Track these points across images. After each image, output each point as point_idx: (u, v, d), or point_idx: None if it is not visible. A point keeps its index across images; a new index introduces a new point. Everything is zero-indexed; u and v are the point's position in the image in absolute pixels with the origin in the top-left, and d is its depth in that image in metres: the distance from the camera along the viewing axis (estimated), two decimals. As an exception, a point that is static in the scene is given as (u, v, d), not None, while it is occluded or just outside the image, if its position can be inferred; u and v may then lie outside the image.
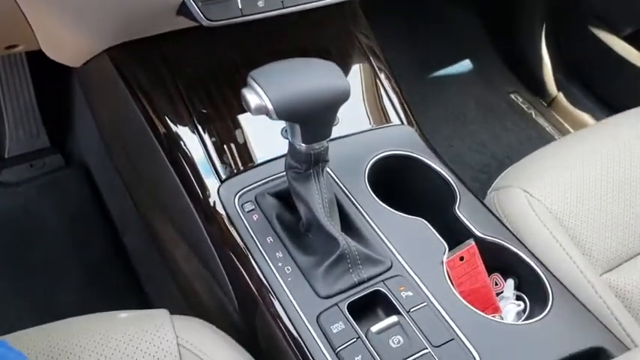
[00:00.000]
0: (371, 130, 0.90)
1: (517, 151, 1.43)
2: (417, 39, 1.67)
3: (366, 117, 0.93)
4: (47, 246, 1.23)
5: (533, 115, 1.59)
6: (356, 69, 1.01)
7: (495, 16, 1.72)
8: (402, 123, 0.92)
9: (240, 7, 0.74)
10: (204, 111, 0.90)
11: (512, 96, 1.64)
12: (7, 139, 1.34)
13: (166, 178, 0.90)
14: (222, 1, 0.74)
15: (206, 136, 0.88)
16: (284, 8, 0.77)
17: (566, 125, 1.56)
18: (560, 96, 1.59)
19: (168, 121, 0.90)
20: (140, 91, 0.93)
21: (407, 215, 0.78)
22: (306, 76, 0.67)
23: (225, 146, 0.87)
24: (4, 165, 1.33)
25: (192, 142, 0.88)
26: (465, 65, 1.69)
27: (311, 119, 0.67)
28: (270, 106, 0.64)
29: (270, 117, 0.65)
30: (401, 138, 0.88)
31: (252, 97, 0.65)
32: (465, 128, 1.54)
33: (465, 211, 0.80)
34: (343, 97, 0.67)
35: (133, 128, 0.99)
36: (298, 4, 0.78)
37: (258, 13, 0.76)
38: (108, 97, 1.12)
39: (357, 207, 0.78)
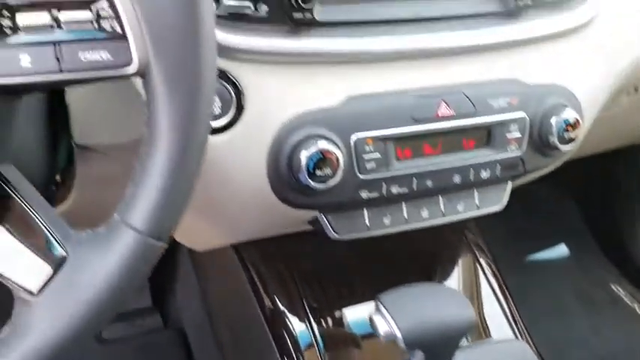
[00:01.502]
0: (488, 344, 0.88)
1: (623, 352, 1.35)
2: (512, 222, 1.68)
3: (479, 325, 0.92)
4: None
5: (638, 310, 1.52)
6: (464, 268, 1.03)
7: (593, 201, 1.71)
8: (516, 336, 0.91)
9: (367, 223, 0.78)
10: (316, 305, 0.92)
11: (614, 287, 1.58)
12: (113, 296, 1.40)
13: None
14: (351, 217, 0.78)
15: (317, 331, 0.89)
16: (408, 225, 0.81)
17: (674, 324, 1.48)
18: (666, 291, 1.52)
19: (279, 304, 0.92)
20: (254, 270, 0.97)
21: None
22: (434, 306, 0.68)
23: (335, 345, 0.88)
24: (106, 321, 1.38)
25: (302, 331, 0.89)
26: (561, 251, 1.66)
27: (435, 347, 0.67)
28: (399, 336, 0.65)
29: (397, 344, 0.66)
30: (516, 356, 0.86)
31: (382, 323, 0.66)
32: (565, 321, 1.48)
33: None
34: (469, 328, 0.68)
35: (240, 304, 1.03)
36: (422, 221, 0.81)
37: (384, 229, 0.80)
38: (218, 268, 1.17)
39: None
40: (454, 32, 0.75)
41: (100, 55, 0.43)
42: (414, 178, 0.76)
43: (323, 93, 0.70)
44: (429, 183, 0.77)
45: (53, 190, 0.77)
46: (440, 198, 0.81)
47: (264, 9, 0.70)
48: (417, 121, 0.74)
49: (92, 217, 0.83)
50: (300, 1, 0.69)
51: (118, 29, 0.43)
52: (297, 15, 0.71)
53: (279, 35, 0.70)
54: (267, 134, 0.69)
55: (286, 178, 0.69)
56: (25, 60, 0.42)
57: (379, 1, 0.74)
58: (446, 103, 0.75)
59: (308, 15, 0.72)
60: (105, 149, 0.74)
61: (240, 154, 0.68)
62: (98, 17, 0.43)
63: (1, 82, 0.41)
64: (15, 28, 0.41)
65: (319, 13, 0.72)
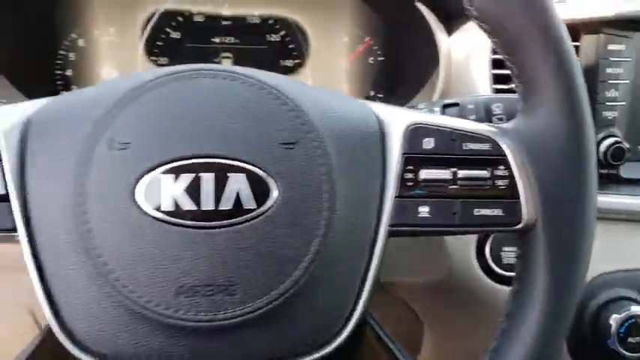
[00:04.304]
0: None
1: None
2: None
3: None
4: None
5: None
6: None
7: None
8: None
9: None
10: None
11: None
12: None
13: None
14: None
15: None
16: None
17: None
18: None
19: None
20: None
21: None
22: None
23: None
24: None
25: None
26: None
27: None
28: None
29: None
30: None
31: None
32: None
33: None
34: None
35: None
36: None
37: None
38: None
39: None
40: None
41: (492, 211, 0.44)
42: None
43: (634, 253, 0.66)
44: None
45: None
46: None
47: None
48: None
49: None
50: (610, 159, 0.68)
51: (511, 189, 0.44)
52: (602, 171, 0.70)
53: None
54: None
55: (589, 340, 0.65)
56: (423, 211, 0.44)
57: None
58: None
59: (612, 172, 0.70)
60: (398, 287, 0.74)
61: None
62: (493, 176, 0.45)
63: (397, 229, 0.44)
64: (416, 182, 0.44)
65: (624, 169, 0.70)
